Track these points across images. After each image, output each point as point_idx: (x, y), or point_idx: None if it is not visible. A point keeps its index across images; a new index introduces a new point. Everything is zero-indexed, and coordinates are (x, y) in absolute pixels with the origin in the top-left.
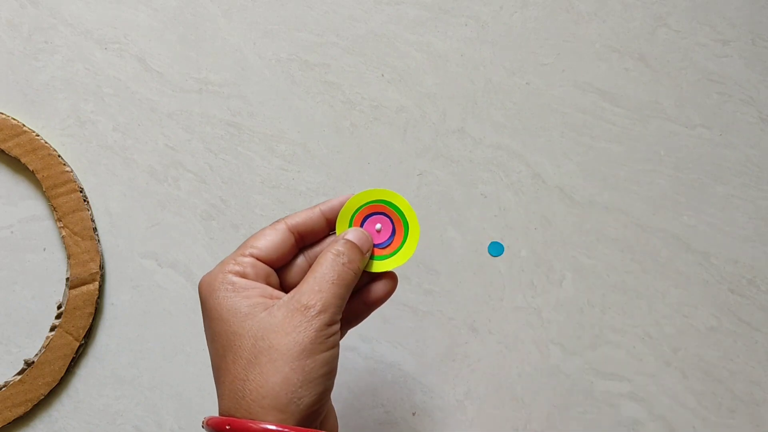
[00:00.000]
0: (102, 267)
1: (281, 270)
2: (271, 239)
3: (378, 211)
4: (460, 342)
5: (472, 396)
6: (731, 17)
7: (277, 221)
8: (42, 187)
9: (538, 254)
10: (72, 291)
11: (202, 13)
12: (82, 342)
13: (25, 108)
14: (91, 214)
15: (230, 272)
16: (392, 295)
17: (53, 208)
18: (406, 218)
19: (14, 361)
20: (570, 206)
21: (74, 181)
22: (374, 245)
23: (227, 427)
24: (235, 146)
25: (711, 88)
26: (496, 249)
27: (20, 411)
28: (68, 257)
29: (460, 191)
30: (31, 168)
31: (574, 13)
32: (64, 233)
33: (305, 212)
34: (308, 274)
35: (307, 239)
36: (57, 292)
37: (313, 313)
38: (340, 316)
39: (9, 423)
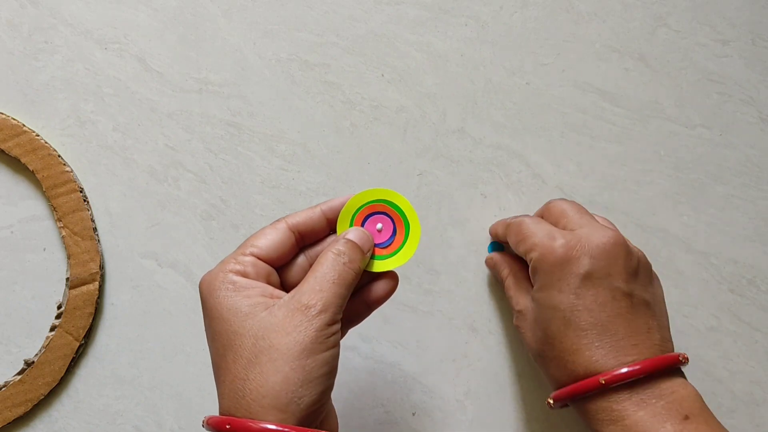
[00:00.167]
0: (102, 267)
1: (282, 269)
2: (272, 238)
3: (379, 210)
4: (460, 342)
5: (472, 396)
6: (731, 17)
7: (277, 220)
8: (42, 187)
9: None
10: (72, 291)
11: (202, 13)
12: (82, 342)
13: (25, 108)
14: (91, 214)
15: (231, 271)
16: (392, 295)
17: (53, 208)
18: (407, 218)
19: (14, 361)
20: None
21: (74, 181)
22: (375, 245)
23: (227, 427)
24: (235, 146)
25: (711, 88)
26: (496, 249)
27: (20, 411)
28: (68, 257)
29: (460, 191)
30: (31, 168)
31: (574, 13)
32: (64, 233)
33: (306, 212)
34: (309, 273)
35: (308, 239)
36: (57, 292)
37: (313, 313)
38: (340, 316)
39: (9, 423)
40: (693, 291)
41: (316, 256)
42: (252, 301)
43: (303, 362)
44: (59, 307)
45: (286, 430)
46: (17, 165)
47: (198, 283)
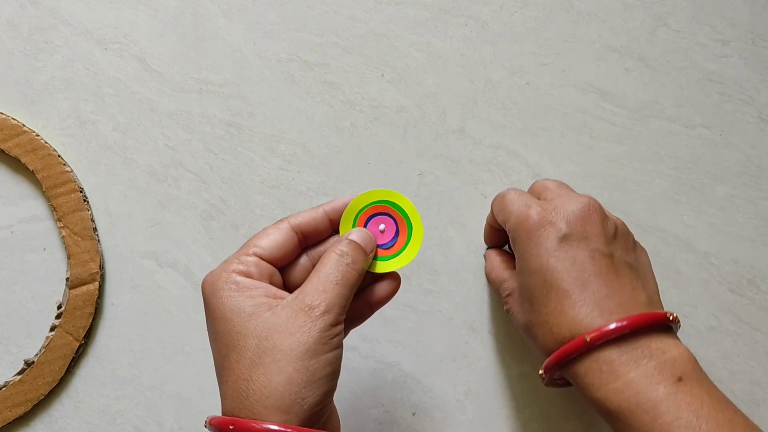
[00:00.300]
0: (102, 267)
1: (284, 269)
2: (275, 238)
3: (382, 211)
4: (460, 342)
5: (472, 396)
6: (731, 17)
7: (280, 221)
8: (42, 187)
9: None
10: (72, 291)
11: (202, 13)
12: (82, 342)
13: (25, 108)
14: (91, 214)
15: (234, 272)
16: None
17: (53, 208)
18: (409, 219)
19: (14, 361)
20: None
21: (74, 181)
22: (378, 246)
23: (231, 427)
24: (235, 146)
25: (711, 88)
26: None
27: (20, 411)
28: (68, 257)
29: (460, 191)
30: (31, 168)
31: (574, 13)
32: (64, 233)
33: (308, 212)
34: (312, 274)
35: (311, 239)
36: (57, 292)
37: (317, 314)
38: (344, 317)
39: (9, 423)
40: (693, 291)
41: (319, 257)
42: (255, 301)
43: (306, 363)
44: (59, 307)
45: (290, 430)
46: (17, 165)
47: (198, 283)
